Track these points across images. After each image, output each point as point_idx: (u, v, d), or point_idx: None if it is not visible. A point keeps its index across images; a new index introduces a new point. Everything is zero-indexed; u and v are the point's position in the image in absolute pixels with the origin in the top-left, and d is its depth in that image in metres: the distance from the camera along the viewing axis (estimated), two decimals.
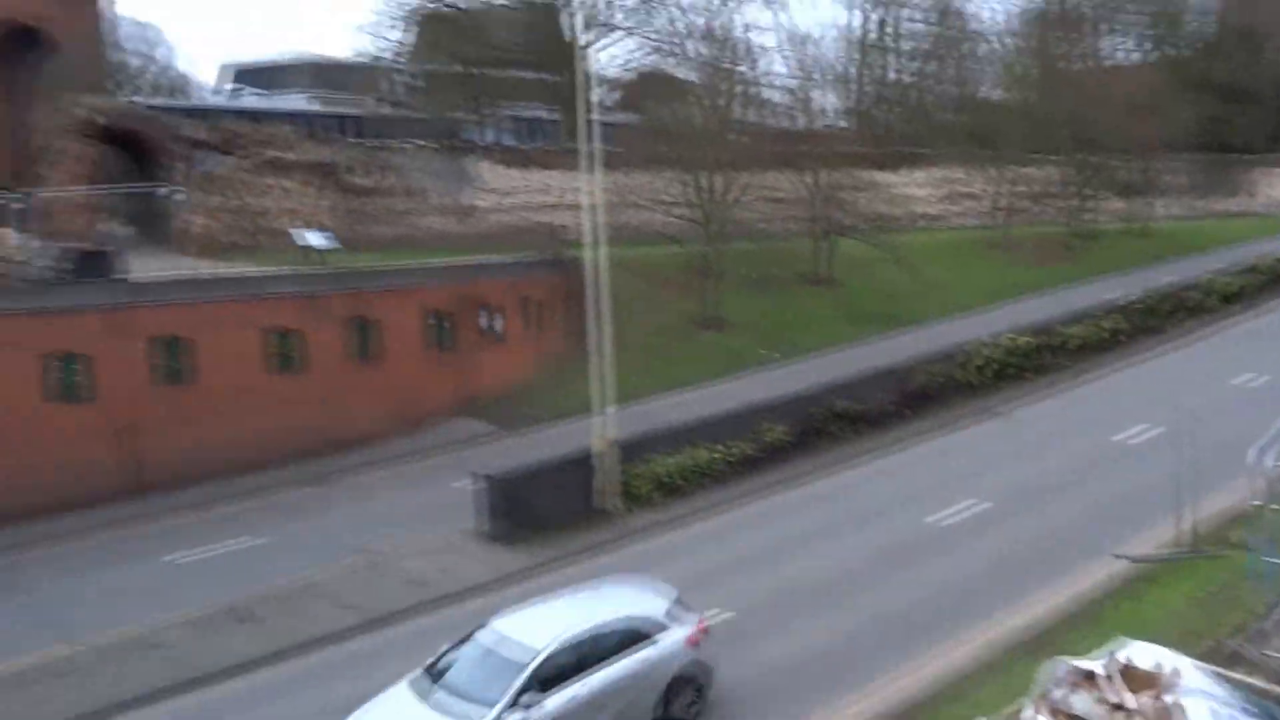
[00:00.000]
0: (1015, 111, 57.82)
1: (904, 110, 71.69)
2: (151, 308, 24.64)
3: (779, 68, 60.91)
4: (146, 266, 26.63)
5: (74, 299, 23.65)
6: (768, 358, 35.79)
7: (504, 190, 48.01)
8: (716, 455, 22.45)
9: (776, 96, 54.01)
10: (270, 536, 21.35)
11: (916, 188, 60.54)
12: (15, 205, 27.12)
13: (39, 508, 22.14)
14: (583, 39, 29.25)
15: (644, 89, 57.34)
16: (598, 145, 21.47)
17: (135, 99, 50.91)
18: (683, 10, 55.57)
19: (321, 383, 27.62)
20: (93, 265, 24.70)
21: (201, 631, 16.75)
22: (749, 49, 52.02)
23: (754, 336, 37.51)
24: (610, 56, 57.66)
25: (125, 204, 35.63)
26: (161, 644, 16.33)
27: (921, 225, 57.20)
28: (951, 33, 71.65)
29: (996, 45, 72.19)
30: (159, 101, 53.55)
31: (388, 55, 59.71)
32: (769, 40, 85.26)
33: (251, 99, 56.98)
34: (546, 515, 20.07)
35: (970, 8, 78.68)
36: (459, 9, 56.17)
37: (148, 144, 37.88)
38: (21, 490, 22.16)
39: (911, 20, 71.14)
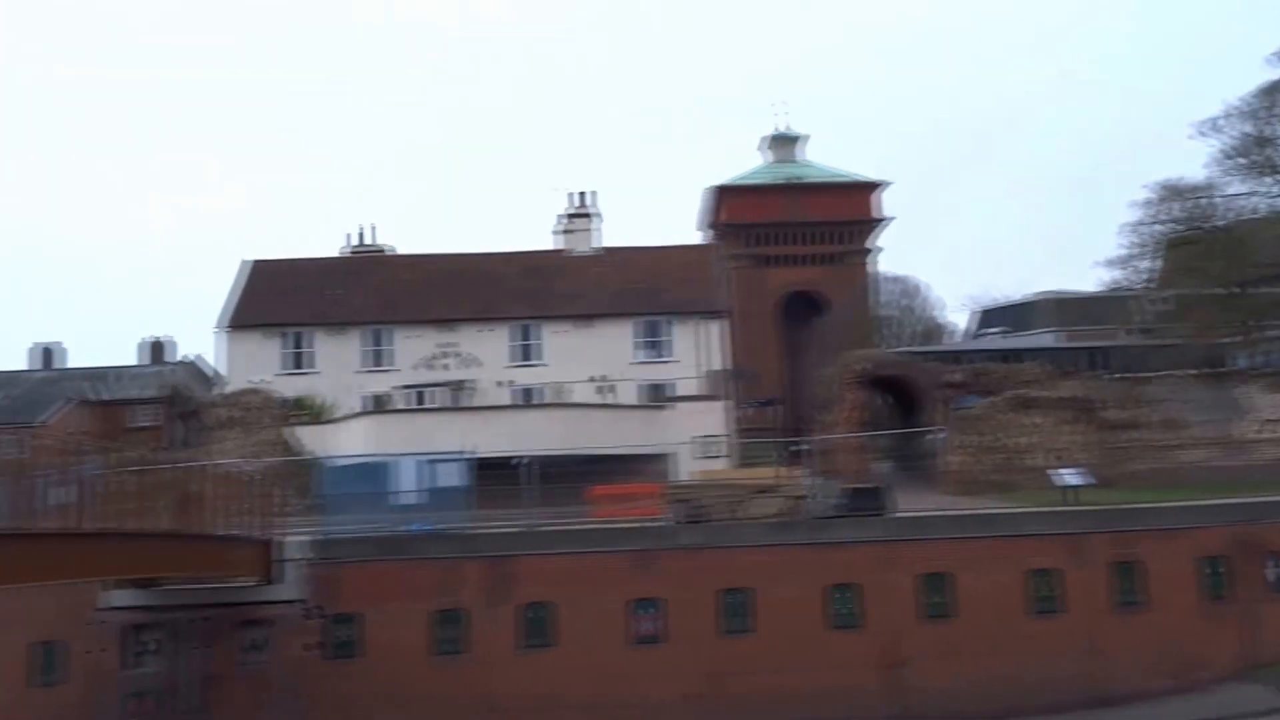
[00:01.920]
0: None
1: None
2: (915, 543, 25.61)
3: None
4: (909, 503, 28.09)
5: (849, 533, 25.72)
6: None
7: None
8: None
9: None
10: None
11: None
12: (803, 448, 31.08)
13: None
14: None
15: None
16: None
17: (897, 348, 56.22)
18: None
19: (1081, 629, 25.63)
20: (864, 502, 26.73)
21: None
22: None
23: None
24: None
25: (891, 444, 38.71)
26: None
27: None
28: None
29: None
30: (917, 348, 58.42)
31: (1136, 284, 57.40)
32: None
33: (999, 338, 58.99)
34: None
35: None
36: (1217, 229, 52.02)
37: (909, 388, 41.06)
38: (792, 708, 24.12)
39: None
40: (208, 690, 23.75)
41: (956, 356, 48.09)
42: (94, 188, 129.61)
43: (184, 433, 45.82)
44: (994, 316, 65.30)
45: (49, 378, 61.00)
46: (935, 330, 75.99)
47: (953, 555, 25.49)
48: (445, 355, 43.25)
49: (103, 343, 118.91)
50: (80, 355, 64.67)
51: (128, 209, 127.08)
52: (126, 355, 64.63)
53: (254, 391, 39.58)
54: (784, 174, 65.78)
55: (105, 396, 58.66)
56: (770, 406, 37.18)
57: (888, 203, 64.29)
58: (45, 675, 24.12)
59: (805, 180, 64.91)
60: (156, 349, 63.98)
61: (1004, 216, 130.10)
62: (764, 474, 28.55)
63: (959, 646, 24.92)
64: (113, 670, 23.92)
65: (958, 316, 76.28)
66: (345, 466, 30.69)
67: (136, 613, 23.92)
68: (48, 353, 63.68)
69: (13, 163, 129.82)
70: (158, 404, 56.20)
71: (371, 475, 29.63)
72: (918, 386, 40.52)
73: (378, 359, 43.42)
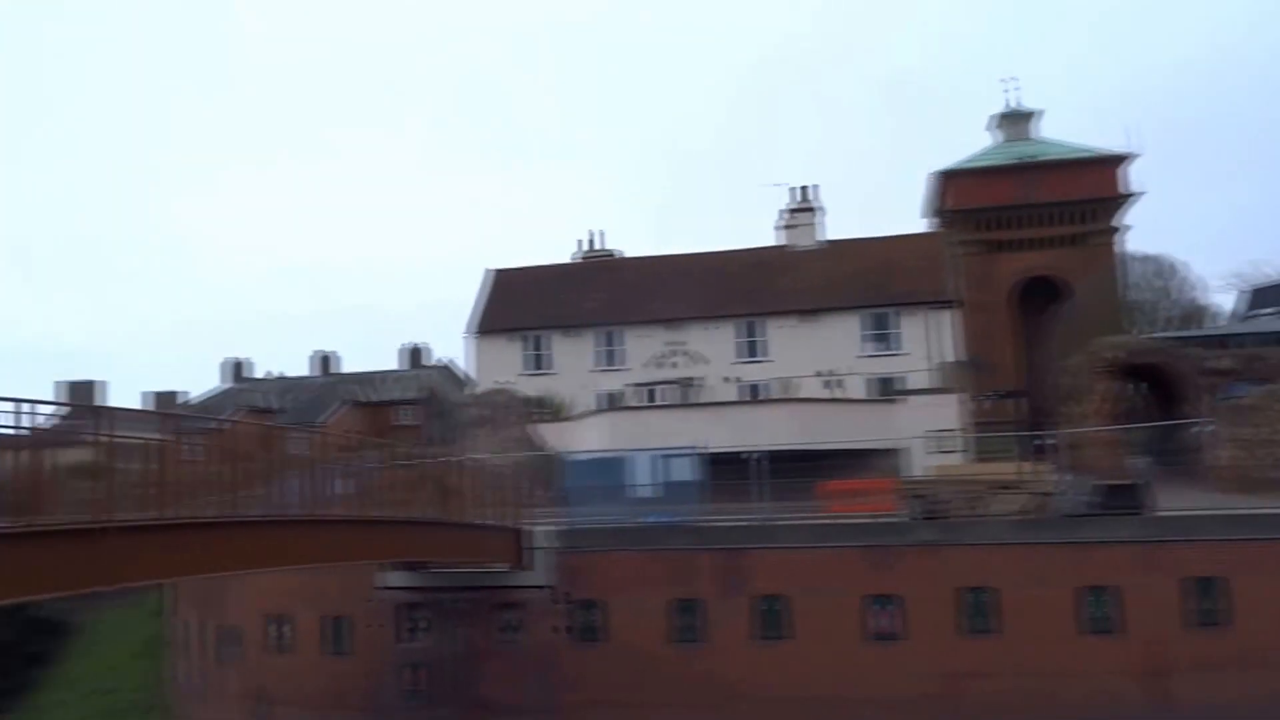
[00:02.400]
0: None
1: None
2: (1181, 545, 23.83)
3: None
4: (1171, 501, 26.16)
5: (1104, 533, 24.26)
6: None
7: None
8: None
9: None
10: None
11: None
12: (1049, 441, 29.59)
13: None
14: None
15: None
16: None
17: (1151, 333, 52.19)
18: None
19: None
20: (1121, 499, 25.13)
21: None
22: None
23: None
24: None
25: (1148, 438, 36.02)
26: None
27: None
28: None
29: None
30: (1175, 332, 53.98)
31: None
32: None
33: (1275, 319, 53.46)
34: None
35: None
36: None
37: (1168, 377, 38.12)
38: (1041, 714, 23.15)
39: None
40: (470, 665, 25.72)
41: (1223, 341, 44.13)
42: (359, 215, 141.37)
43: (440, 430, 49.36)
44: (1268, 295, 59.19)
45: (327, 382, 67.56)
46: (1196, 313, 69.84)
47: (1226, 558, 23.55)
48: (674, 353, 44.32)
49: (370, 349, 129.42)
50: (351, 361, 71.22)
51: (388, 231, 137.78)
52: (390, 360, 70.58)
53: (500, 391, 42.05)
54: (1016, 153, 62.46)
55: (373, 398, 64.26)
56: (1011, 399, 35.41)
57: (1137, 176, 59.75)
58: (335, 646, 26.97)
59: (1040, 158, 61.36)
60: (415, 354, 69.33)
61: (1275, 183, 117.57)
62: (1005, 469, 27.36)
63: (1234, 658, 23.06)
64: (389, 644, 26.38)
65: (1223, 297, 69.82)
66: (584, 461, 32.11)
67: (408, 592, 26.27)
68: (325, 360, 70.55)
69: (289, 198, 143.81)
70: (417, 404, 60.90)
71: (609, 469, 30.84)
72: (1178, 374, 37.55)
73: (610, 359, 45.07)
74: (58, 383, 62.21)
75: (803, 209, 48.44)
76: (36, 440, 12.82)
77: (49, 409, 13.91)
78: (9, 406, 12.39)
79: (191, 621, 30.69)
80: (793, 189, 48.85)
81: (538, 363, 45.59)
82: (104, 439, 13.97)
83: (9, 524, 12.23)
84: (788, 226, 48.76)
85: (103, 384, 62.27)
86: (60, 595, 14.39)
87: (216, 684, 29.30)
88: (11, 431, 12.50)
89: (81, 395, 59.34)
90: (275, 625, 27.78)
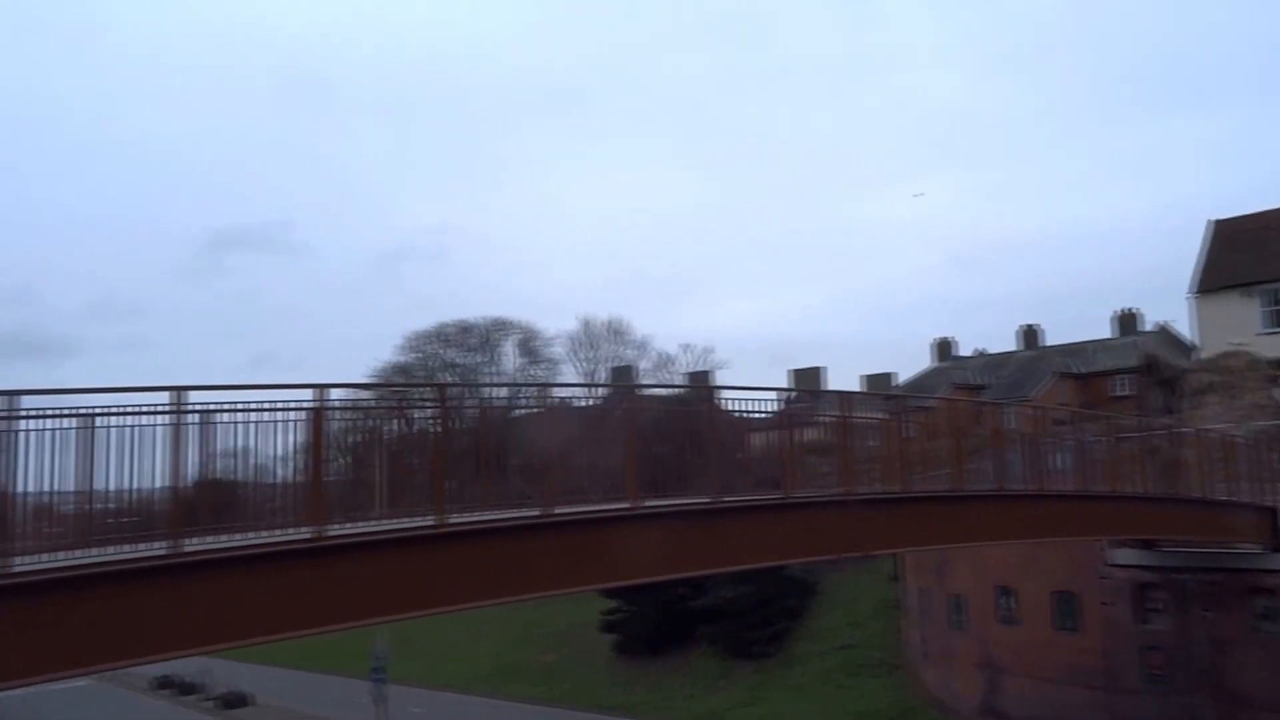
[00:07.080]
0: None
1: None
2: None
3: None
4: None
5: None
6: None
7: None
8: None
9: None
10: None
11: None
12: None
13: None
14: None
15: None
16: None
17: None
18: None
19: None
20: None
21: None
22: None
23: None
24: None
25: None
26: None
27: None
28: None
29: None
30: None
31: None
32: None
33: None
34: None
35: None
36: None
37: None
38: None
39: None
40: (1219, 654, 23.67)
41: None
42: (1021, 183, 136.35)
43: (1163, 399, 45.55)
44: None
45: (1033, 356, 66.80)
46: None
47: None
48: None
49: (1079, 320, 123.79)
50: (1057, 333, 69.30)
51: (1084, 199, 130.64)
52: (1099, 329, 67.07)
53: (1234, 354, 37.48)
54: None
55: (1083, 369, 61.81)
56: None
57: None
58: (1064, 621, 26.96)
59: None
60: (1128, 320, 64.92)
61: None
62: None
63: None
64: (1124, 623, 25.50)
65: None
66: None
67: (1141, 571, 25.10)
68: (1030, 333, 69.85)
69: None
70: (1133, 373, 56.93)
71: None
72: None
73: None
74: (790, 371, 71.14)
75: None
76: (784, 422, 14.81)
77: (792, 394, 16.32)
78: (771, 395, 14.85)
79: (920, 588, 32.95)
80: None
81: (1277, 319, 39.54)
82: (841, 419, 15.75)
83: (770, 496, 14.30)
84: None
85: (825, 369, 69.66)
86: (810, 560, 16.54)
87: (945, 649, 31.06)
88: (763, 416, 14.94)
89: (809, 381, 66.94)
90: (1001, 597, 28.61)
